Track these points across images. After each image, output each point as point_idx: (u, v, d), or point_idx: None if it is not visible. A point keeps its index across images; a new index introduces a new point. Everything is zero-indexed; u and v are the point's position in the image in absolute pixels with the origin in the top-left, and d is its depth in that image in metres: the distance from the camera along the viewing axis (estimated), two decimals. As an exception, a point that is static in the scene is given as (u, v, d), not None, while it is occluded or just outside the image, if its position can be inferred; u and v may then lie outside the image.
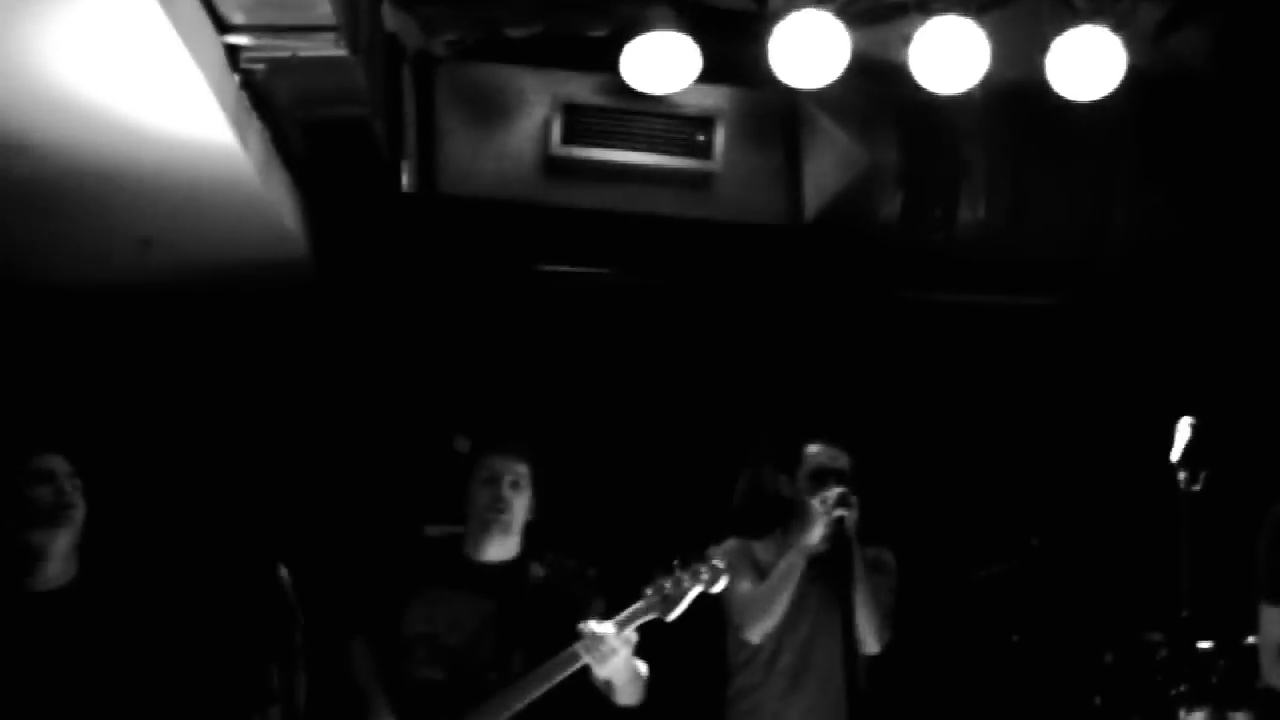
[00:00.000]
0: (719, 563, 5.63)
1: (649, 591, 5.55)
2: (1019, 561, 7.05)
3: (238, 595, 6.43)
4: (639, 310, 7.65)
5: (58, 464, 5.39)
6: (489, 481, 5.75)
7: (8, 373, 6.96)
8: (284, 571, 5.96)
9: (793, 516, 6.25)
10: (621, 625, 5.48)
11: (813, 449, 6.29)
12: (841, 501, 5.95)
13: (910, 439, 7.66)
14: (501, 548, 5.80)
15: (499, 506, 5.73)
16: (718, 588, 5.60)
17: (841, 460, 6.25)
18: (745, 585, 6.09)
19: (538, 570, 5.84)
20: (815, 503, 6.02)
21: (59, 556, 5.36)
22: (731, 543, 6.22)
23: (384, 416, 7.35)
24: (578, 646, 5.44)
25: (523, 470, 5.79)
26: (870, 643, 6.10)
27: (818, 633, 6.12)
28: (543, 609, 5.69)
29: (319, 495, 7.18)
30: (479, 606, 5.70)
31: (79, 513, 5.36)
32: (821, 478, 6.14)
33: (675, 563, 5.59)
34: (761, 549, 6.26)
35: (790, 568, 6.05)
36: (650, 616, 5.54)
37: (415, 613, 5.69)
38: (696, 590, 5.56)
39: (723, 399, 7.66)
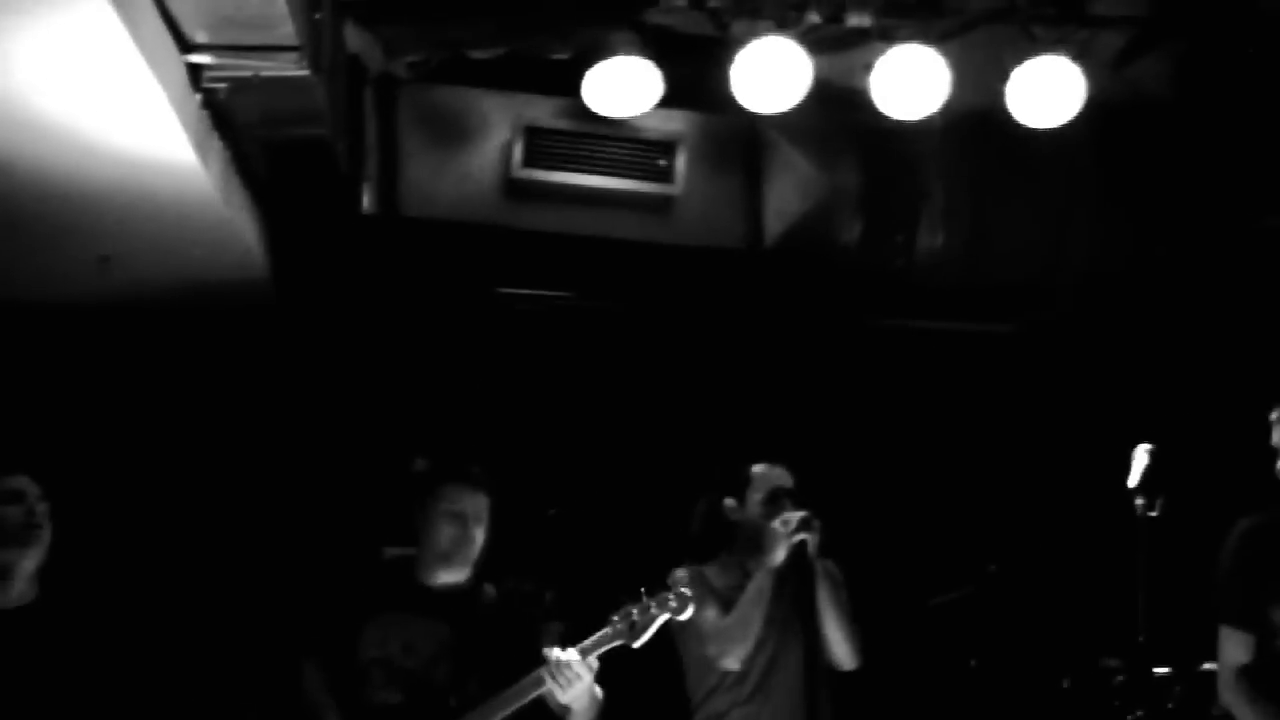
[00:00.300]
0: (686, 591, 5.62)
1: (616, 619, 5.53)
2: (976, 587, 7.07)
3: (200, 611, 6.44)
4: (599, 334, 7.66)
5: (26, 485, 5.39)
6: (454, 516, 5.73)
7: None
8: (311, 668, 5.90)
9: (741, 539, 6.20)
10: (585, 652, 5.47)
11: (761, 469, 6.24)
12: (804, 525, 5.91)
13: (868, 465, 7.67)
14: (457, 574, 5.79)
15: (462, 543, 5.73)
16: (684, 615, 5.60)
17: (789, 479, 6.21)
18: (710, 613, 6.01)
19: (491, 593, 5.83)
20: (777, 524, 5.96)
21: (24, 577, 5.36)
22: (685, 571, 6.13)
23: (342, 437, 7.33)
24: (542, 671, 5.42)
25: (484, 502, 5.79)
26: (846, 657, 6.07)
27: (780, 652, 6.04)
28: (498, 633, 5.69)
29: (276, 515, 7.16)
30: (434, 630, 5.67)
31: (46, 534, 5.37)
32: (777, 498, 6.09)
33: (642, 591, 5.58)
34: (715, 574, 6.18)
35: (760, 591, 5.96)
36: (617, 643, 5.52)
37: (370, 636, 5.65)
38: (664, 618, 5.56)
39: (681, 424, 7.66)
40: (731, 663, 5.99)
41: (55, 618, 5.36)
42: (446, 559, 5.74)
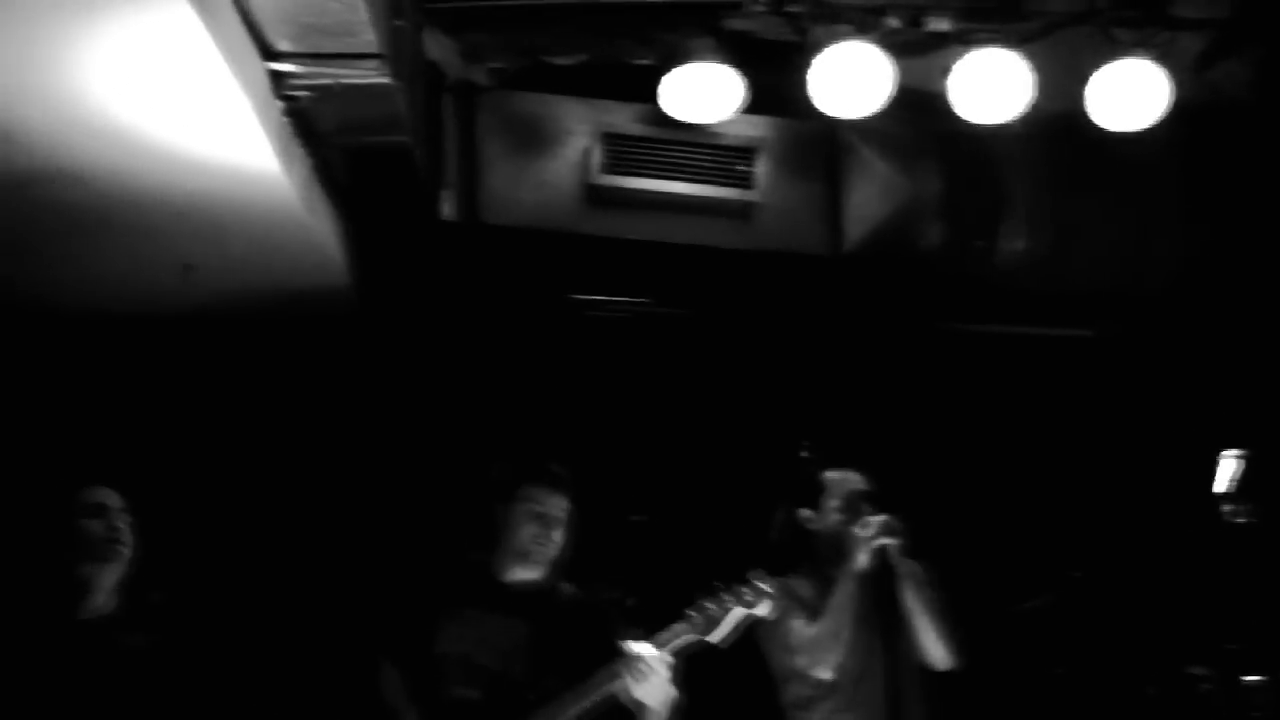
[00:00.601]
0: (763, 584, 5.58)
1: (691, 612, 5.52)
2: (1061, 594, 7.02)
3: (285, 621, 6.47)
4: (678, 340, 7.64)
5: (109, 498, 5.44)
6: (537, 516, 5.80)
7: (54, 402, 6.99)
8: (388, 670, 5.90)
9: (821, 547, 6.18)
10: (661, 645, 5.46)
11: (834, 475, 6.24)
12: (886, 529, 5.88)
13: (951, 471, 7.63)
14: (533, 572, 5.83)
15: (542, 541, 5.79)
16: (761, 610, 5.56)
17: (864, 484, 6.18)
18: (798, 623, 6.00)
19: (569, 590, 5.87)
20: (857, 529, 5.95)
21: (104, 590, 5.42)
22: (773, 581, 6.10)
23: (423, 443, 7.35)
24: (617, 664, 5.42)
25: (566, 505, 5.85)
26: (942, 657, 6.03)
27: (869, 658, 5.99)
28: (575, 629, 5.71)
29: (357, 520, 7.18)
30: (511, 627, 5.70)
31: (127, 548, 5.42)
32: (854, 504, 6.08)
33: (717, 584, 5.56)
34: (800, 584, 6.15)
35: (848, 597, 5.94)
36: (692, 637, 5.50)
37: (447, 633, 5.69)
38: (740, 612, 5.52)
39: (761, 430, 7.63)
40: (824, 672, 5.95)
41: (134, 627, 5.40)
42: (525, 557, 5.80)
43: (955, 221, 7.38)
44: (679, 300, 7.60)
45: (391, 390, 7.34)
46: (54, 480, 5.59)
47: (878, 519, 5.92)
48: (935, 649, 5.99)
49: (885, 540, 5.88)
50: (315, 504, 7.19)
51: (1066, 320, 7.80)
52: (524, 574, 5.81)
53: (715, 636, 5.52)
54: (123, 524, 5.44)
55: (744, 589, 5.55)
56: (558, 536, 5.80)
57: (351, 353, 7.22)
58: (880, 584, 5.93)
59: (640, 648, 5.43)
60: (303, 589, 7.04)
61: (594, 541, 6.01)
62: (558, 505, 5.82)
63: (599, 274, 7.47)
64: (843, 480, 6.21)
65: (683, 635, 5.50)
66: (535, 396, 7.49)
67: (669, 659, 5.45)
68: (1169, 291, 7.57)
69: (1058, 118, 6.74)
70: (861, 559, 5.92)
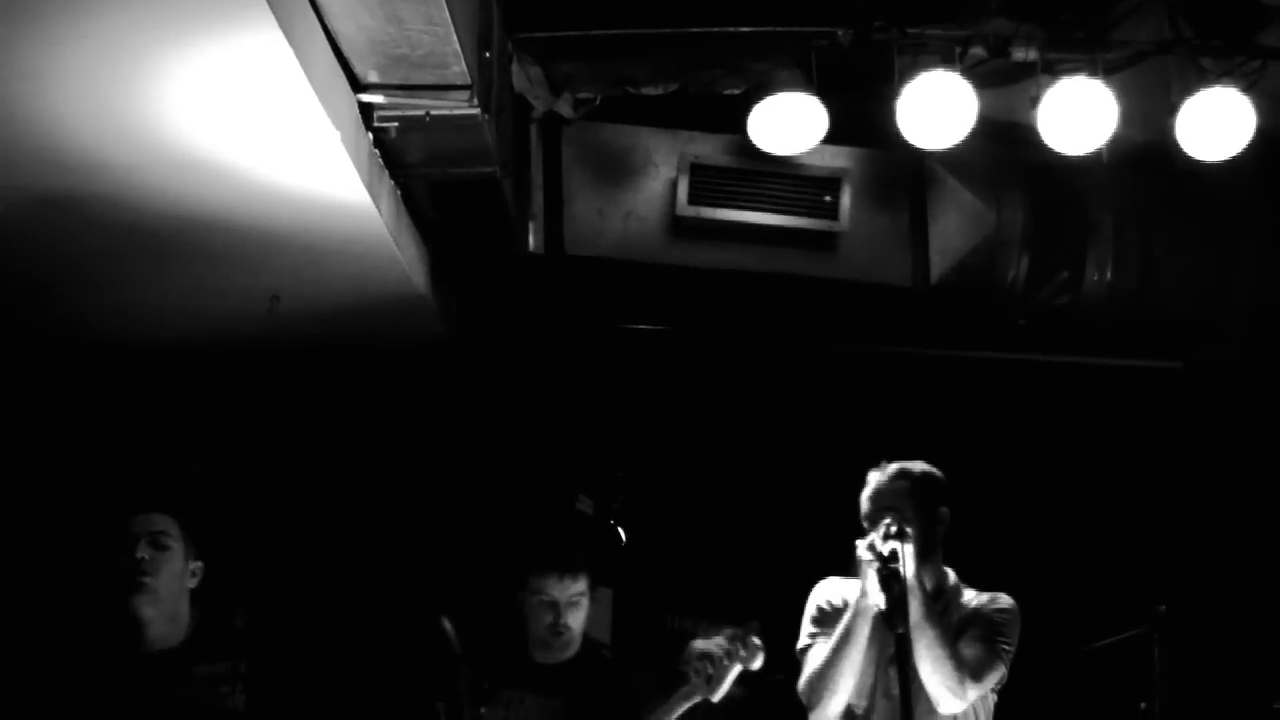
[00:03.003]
0: (756, 640, 5.43)
1: (692, 673, 5.46)
2: (1146, 628, 6.96)
3: (394, 642, 6.46)
4: (764, 371, 7.65)
5: (141, 524, 5.36)
6: (549, 606, 5.78)
7: (140, 433, 7.05)
8: (446, 622, 5.90)
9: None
10: (669, 714, 5.53)
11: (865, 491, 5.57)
12: (896, 532, 5.19)
13: (1037, 504, 7.60)
14: (560, 655, 5.86)
15: (558, 630, 5.79)
16: (755, 664, 5.46)
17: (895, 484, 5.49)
18: (821, 647, 5.39)
19: (605, 655, 5.96)
20: (862, 549, 5.27)
21: (157, 620, 5.35)
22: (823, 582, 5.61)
23: (508, 473, 7.37)
24: None
25: (581, 587, 5.81)
26: (942, 699, 5.22)
27: (880, 698, 5.37)
28: (609, 701, 5.74)
29: (439, 551, 7.22)
30: (547, 704, 5.77)
31: (159, 580, 5.33)
32: (873, 518, 5.41)
33: (718, 640, 5.48)
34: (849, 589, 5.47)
35: (846, 634, 5.27)
36: (697, 698, 5.52)
37: (491, 715, 5.67)
38: (737, 669, 5.46)
39: (844, 460, 7.63)
40: (820, 714, 5.38)
41: (207, 655, 5.38)
42: (546, 646, 5.82)
43: (1041, 252, 7.34)
44: (765, 331, 7.60)
45: (477, 420, 7.37)
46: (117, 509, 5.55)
47: (880, 528, 5.24)
48: (932, 687, 5.20)
49: (891, 545, 5.17)
50: (391, 531, 7.23)
51: (1152, 352, 7.76)
52: (551, 658, 5.84)
53: (717, 696, 5.50)
54: (149, 555, 5.29)
55: (740, 646, 5.44)
56: (575, 621, 5.80)
57: (437, 384, 7.26)
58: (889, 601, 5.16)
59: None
60: (382, 618, 7.07)
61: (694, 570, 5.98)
62: (570, 590, 5.78)
63: (685, 305, 7.49)
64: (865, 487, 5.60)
65: (688, 699, 5.52)
66: (620, 427, 7.51)
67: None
68: (1255, 322, 7.51)
69: (1144, 147, 6.71)
70: (869, 583, 5.18)
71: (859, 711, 5.38)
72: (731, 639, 5.46)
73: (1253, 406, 7.68)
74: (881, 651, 5.33)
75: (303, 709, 5.56)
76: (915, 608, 5.16)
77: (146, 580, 5.29)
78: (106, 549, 5.34)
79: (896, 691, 5.18)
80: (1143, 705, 6.94)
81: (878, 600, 5.16)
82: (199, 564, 5.48)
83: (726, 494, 7.58)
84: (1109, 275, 7.38)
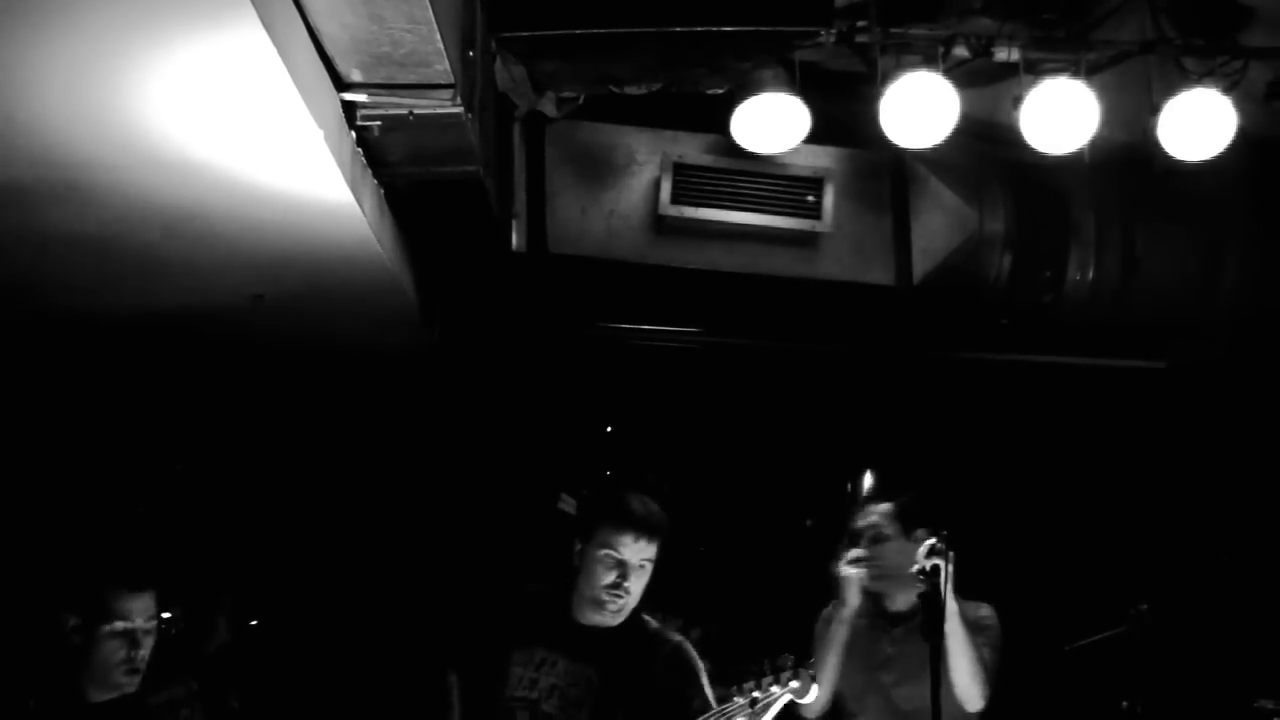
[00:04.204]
0: (809, 671, 5.16)
1: (740, 700, 5.12)
2: (1128, 627, 6.98)
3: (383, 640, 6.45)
4: (744, 370, 7.66)
5: (140, 614, 5.05)
6: (616, 565, 5.36)
7: (121, 434, 7.04)
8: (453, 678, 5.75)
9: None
10: None
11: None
12: (934, 551, 5.53)
13: (1020, 503, 7.62)
14: (609, 620, 5.43)
15: (619, 594, 5.38)
16: (807, 698, 5.17)
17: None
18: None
19: (650, 626, 5.52)
20: (842, 566, 5.85)
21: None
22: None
23: (490, 471, 7.38)
24: None
25: (651, 553, 5.40)
26: (974, 698, 5.69)
27: (910, 692, 5.78)
28: (648, 678, 5.37)
29: (423, 550, 7.22)
30: (582, 674, 5.39)
31: (147, 655, 5.04)
32: (854, 536, 5.98)
33: (765, 666, 5.17)
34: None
35: (829, 640, 5.84)
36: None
37: (517, 675, 5.42)
38: (787, 699, 5.13)
39: (826, 459, 7.65)
40: (809, 710, 5.76)
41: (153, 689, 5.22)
42: (599, 606, 5.38)
43: (1023, 252, 7.36)
44: (747, 331, 7.61)
45: (458, 419, 7.37)
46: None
47: (927, 541, 5.59)
48: (967, 689, 5.67)
49: (934, 561, 5.52)
50: (378, 531, 7.23)
51: (1135, 351, 7.78)
52: (598, 620, 5.42)
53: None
54: (146, 640, 4.98)
55: (792, 675, 5.12)
56: (637, 588, 5.39)
57: (420, 381, 7.26)
58: (928, 613, 5.57)
59: None
60: (374, 615, 7.07)
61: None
62: (641, 553, 5.37)
63: (667, 304, 7.49)
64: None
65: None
66: (601, 426, 7.52)
67: None
68: (1237, 321, 7.53)
69: (1126, 147, 6.73)
70: (850, 599, 5.82)
71: (850, 710, 5.92)
72: (782, 666, 5.17)
73: (1235, 405, 7.69)
74: (870, 656, 5.90)
75: (297, 707, 5.54)
76: (955, 622, 5.58)
77: (140, 670, 5.02)
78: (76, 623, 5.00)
79: (890, 693, 5.85)
80: (1125, 704, 6.98)
81: (854, 605, 5.81)
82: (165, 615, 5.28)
83: (709, 491, 7.59)
84: (1091, 274, 7.39)
